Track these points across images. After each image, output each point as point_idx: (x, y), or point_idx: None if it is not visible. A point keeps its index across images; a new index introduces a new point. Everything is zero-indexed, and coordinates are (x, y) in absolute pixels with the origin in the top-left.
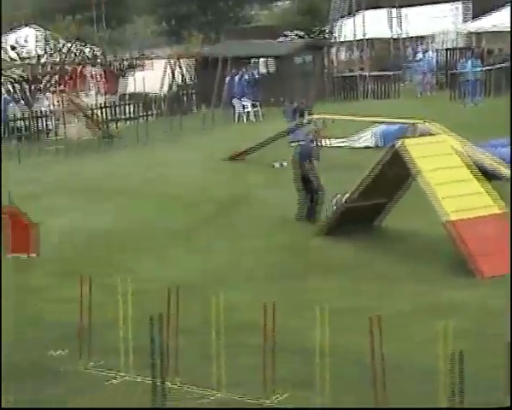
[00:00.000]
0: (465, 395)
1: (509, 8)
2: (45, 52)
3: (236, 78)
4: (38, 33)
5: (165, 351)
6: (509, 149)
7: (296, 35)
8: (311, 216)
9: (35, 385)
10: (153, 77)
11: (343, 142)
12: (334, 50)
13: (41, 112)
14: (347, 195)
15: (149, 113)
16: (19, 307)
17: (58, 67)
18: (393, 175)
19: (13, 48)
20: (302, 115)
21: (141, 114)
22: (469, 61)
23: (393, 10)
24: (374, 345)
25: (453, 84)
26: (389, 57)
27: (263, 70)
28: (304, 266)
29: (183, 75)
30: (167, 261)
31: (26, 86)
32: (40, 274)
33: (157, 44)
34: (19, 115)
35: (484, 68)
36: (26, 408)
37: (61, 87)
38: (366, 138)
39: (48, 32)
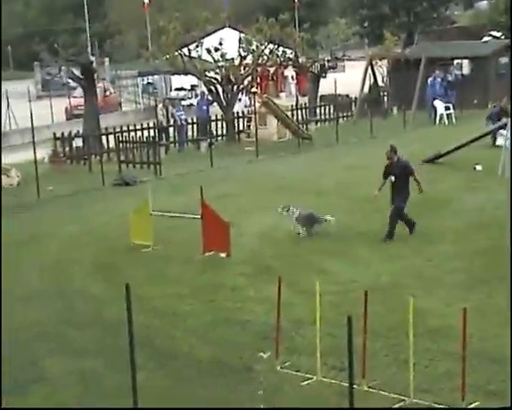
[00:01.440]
0: None
1: None
2: (240, 54)
3: (438, 79)
4: (236, 35)
5: (360, 353)
6: None
7: (494, 36)
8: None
9: (231, 383)
10: (345, 79)
11: None
12: None
13: (239, 113)
14: None
15: (343, 114)
16: (213, 306)
17: (254, 69)
18: None
19: (216, 49)
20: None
21: (334, 115)
22: None
23: None
24: None
25: None
26: None
27: (464, 71)
28: (499, 272)
29: (376, 77)
30: (360, 263)
31: (221, 88)
32: (234, 273)
33: (350, 47)
34: (219, 116)
35: None
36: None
37: (258, 89)
38: None
39: (243, 35)
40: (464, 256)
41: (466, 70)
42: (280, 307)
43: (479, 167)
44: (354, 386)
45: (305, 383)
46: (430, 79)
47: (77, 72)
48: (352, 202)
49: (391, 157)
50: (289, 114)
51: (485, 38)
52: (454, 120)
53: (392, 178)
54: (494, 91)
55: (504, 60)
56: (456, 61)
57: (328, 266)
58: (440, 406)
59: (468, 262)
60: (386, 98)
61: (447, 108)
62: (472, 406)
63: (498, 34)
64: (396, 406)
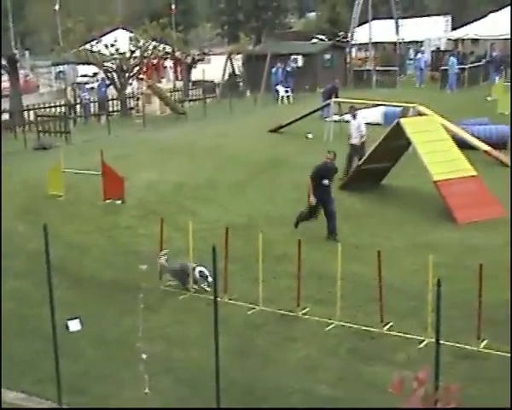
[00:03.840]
0: (442, 310)
1: (479, 22)
2: (130, 49)
3: (280, 69)
4: (127, 35)
5: (223, 274)
6: (478, 127)
7: (320, 38)
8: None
9: (125, 297)
10: (211, 68)
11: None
12: (351, 50)
13: (129, 94)
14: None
15: (208, 96)
16: (112, 240)
17: (141, 61)
18: (395, 145)
19: (112, 45)
20: (336, 96)
21: (202, 96)
22: (451, 59)
23: (396, 21)
24: (379, 272)
25: (443, 78)
26: (393, 56)
27: (299, 64)
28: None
29: (233, 67)
30: (223, 207)
31: (116, 75)
32: (127, 215)
33: (214, 44)
34: (114, 97)
35: (463, 66)
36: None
37: (144, 75)
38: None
39: (132, 34)
40: (299, 200)
41: (300, 63)
42: (162, 241)
43: (310, 136)
44: (218, 298)
45: (182, 297)
46: (274, 69)
47: (3, 61)
48: (217, 161)
49: (332, 162)
50: (169, 94)
51: (314, 40)
52: (292, 100)
53: (327, 181)
54: (320, 79)
55: (327, 56)
56: (292, 57)
57: (199, 210)
58: (281, 311)
59: (305, 205)
60: (241, 83)
61: (287, 91)
62: (304, 311)
63: (323, 37)
64: (249, 313)
